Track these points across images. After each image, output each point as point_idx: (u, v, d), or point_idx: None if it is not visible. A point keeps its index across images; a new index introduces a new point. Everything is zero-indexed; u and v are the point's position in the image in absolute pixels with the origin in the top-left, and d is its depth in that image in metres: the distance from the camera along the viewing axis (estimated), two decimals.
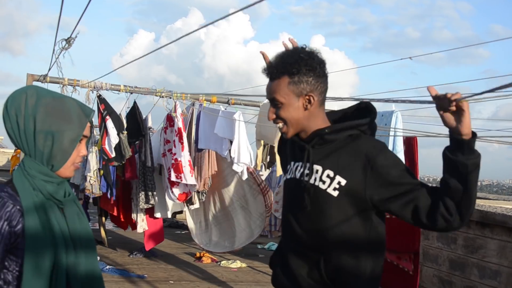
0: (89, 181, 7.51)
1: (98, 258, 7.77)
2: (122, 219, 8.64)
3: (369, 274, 1.89)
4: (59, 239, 1.69)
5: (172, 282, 7.19)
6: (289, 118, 1.91)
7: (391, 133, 4.61)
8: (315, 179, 1.89)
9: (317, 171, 1.89)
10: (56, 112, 1.68)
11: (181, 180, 6.45)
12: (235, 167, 6.14)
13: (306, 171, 1.92)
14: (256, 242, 10.45)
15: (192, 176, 6.52)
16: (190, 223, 8.28)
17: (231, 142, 6.13)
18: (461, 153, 1.65)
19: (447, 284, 6.64)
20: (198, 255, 9.03)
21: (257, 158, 6.78)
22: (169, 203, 7.58)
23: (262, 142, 6.40)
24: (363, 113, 1.99)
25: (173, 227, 12.55)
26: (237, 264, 8.61)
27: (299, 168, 1.98)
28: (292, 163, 2.06)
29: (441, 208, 1.71)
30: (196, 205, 7.36)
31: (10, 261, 1.63)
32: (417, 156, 4.91)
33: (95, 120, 6.67)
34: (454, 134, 1.66)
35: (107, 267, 7.55)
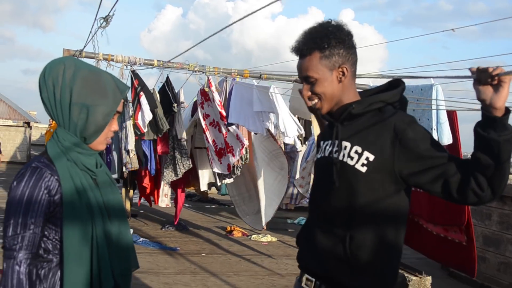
0: (130, 155, 7.63)
1: (132, 230, 7.98)
2: (150, 193, 8.76)
3: (393, 251, 1.89)
4: (95, 208, 1.73)
5: (204, 254, 7.31)
6: (324, 93, 1.90)
7: (434, 106, 4.54)
8: (343, 156, 1.88)
9: (345, 147, 1.88)
10: (92, 86, 1.69)
11: (233, 150, 6.56)
12: (286, 140, 6.22)
13: (335, 148, 1.91)
14: (285, 217, 10.52)
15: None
16: (232, 192, 8.40)
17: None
18: (493, 130, 1.60)
19: (481, 260, 6.59)
20: (229, 229, 9.15)
21: None
22: (205, 177, 7.67)
23: (296, 117, 6.37)
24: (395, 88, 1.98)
25: (204, 201, 12.69)
26: (268, 238, 8.69)
27: (328, 146, 1.98)
28: (322, 142, 2.07)
29: (472, 183, 1.67)
30: (231, 179, 7.37)
31: (50, 230, 1.67)
32: (458, 129, 4.82)
33: (128, 95, 6.74)
34: (487, 109, 1.61)
35: (141, 239, 7.70)
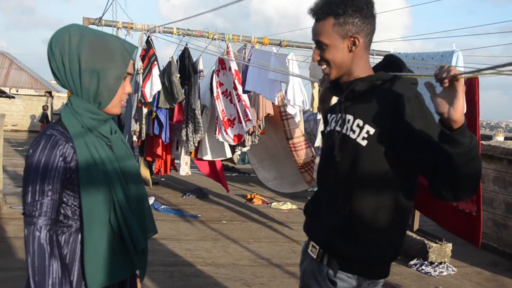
0: (138, 124, 7.71)
1: (153, 198, 8.09)
2: (164, 162, 8.85)
3: (394, 225, 1.88)
4: (112, 173, 1.74)
5: (224, 222, 7.39)
6: (333, 60, 1.89)
7: None
8: (346, 129, 1.88)
9: (348, 120, 1.88)
10: (100, 51, 1.69)
11: (249, 117, 6.53)
12: (289, 109, 6.12)
13: (339, 121, 1.92)
14: None
15: (253, 117, 6.61)
16: (252, 160, 8.39)
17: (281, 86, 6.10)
18: (447, 143, 1.56)
19: (502, 227, 6.56)
20: (249, 196, 9.21)
21: (313, 101, 6.69)
22: (223, 145, 7.66)
23: (316, 84, 6.32)
24: (396, 64, 1.96)
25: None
26: (288, 205, 8.74)
27: (334, 119, 1.98)
28: (329, 115, 2.08)
29: (437, 182, 1.66)
30: (247, 147, 7.38)
31: (68, 196, 1.70)
32: (478, 97, 4.75)
33: (140, 63, 6.75)
34: (445, 123, 1.55)
35: (162, 207, 7.81)
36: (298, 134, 7.12)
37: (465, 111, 4.49)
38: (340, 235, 1.89)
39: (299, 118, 6.41)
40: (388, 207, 1.85)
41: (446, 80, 1.51)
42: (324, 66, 1.93)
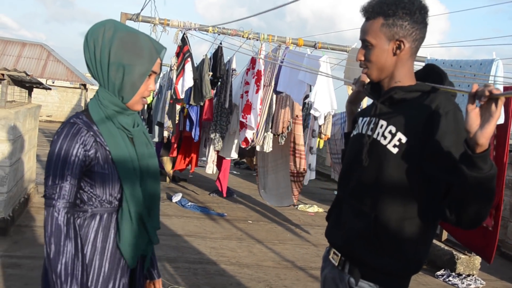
0: (170, 120, 7.77)
1: (181, 195, 8.14)
2: (187, 160, 8.88)
3: (420, 236, 1.82)
4: (129, 165, 1.80)
5: (250, 222, 7.39)
6: (376, 61, 1.85)
7: (491, 82, 4.36)
8: (378, 134, 1.84)
9: (381, 126, 1.84)
10: (129, 46, 1.75)
11: (246, 121, 6.47)
12: (312, 111, 6.05)
13: (371, 126, 1.88)
14: (333, 188, 10.48)
15: (257, 119, 6.53)
16: (258, 163, 8.22)
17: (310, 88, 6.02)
18: (465, 165, 1.51)
19: None
20: None
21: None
22: (237, 145, 7.60)
23: (350, 87, 6.25)
24: (437, 74, 1.90)
25: (251, 169, 12.79)
26: (314, 208, 8.70)
27: (366, 123, 1.94)
28: (360, 119, 2.03)
29: (445, 202, 1.63)
30: (269, 148, 7.22)
31: (85, 183, 1.77)
32: None
33: (175, 60, 6.79)
34: (469, 142, 1.50)
35: (189, 203, 7.85)
36: (301, 142, 7.09)
37: (502, 121, 4.44)
38: (363, 243, 1.85)
39: (322, 121, 6.34)
40: (415, 218, 1.79)
41: (484, 100, 1.46)
42: (366, 68, 1.90)
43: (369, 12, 1.85)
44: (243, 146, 7.05)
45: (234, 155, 7.75)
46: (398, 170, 1.78)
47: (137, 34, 1.80)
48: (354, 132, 2.04)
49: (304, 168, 7.11)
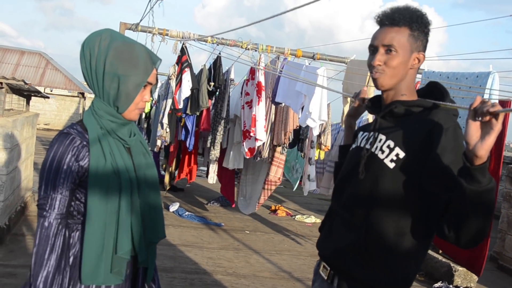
0: (165, 129, 7.74)
1: (178, 204, 8.11)
2: (187, 169, 8.85)
3: (411, 252, 1.81)
4: (124, 175, 1.78)
5: (247, 232, 7.37)
6: (395, 68, 1.83)
7: (486, 95, 4.37)
8: (376, 148, 1.84)
9: (380, 140, 1.84)
10: (124, 56, 1.74)
11: (254, 134, 6.46)
12: (309, 122, 6.02)
13: (371, 139, 1.88)
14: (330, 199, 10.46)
15: (265, 131, 6.51)
16: (243, 171, 8.11)
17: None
18: (463, 178, 1.51)
19: None
20: (273, 208, 9.18)
21: (343, 115, 6.62)
22: (241, 155, 7.57)
23: (348, 99, 6.26)
24: (439, 91, 1.90)
25: None
26: (312, 219, 8.68)
27: (365, 137, 1.95)
28: (360, 133, 2.04)
29: (443, 221, 1.63)
30: (265, 158, 7.19)
31: (81, 194, 1.76)
32: (508, 121, 4.66)
33: (173, 69, 6.79)
34: (467, 154, 1.50)
35: (186, 213, 7.83)
36: (280, 150, 7.10)
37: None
38: (353, 256, 1.84)
39: (318, 132, 6.33)
40: (407, 234, 1.78)
41: (488, 117, 1.46)
42: (379, 72, 1.85)
43: (395, 20, 1.83)
44: (247, 157, 7.05)
45: (240, 165, 7.74)
46: (393, 185, 1.77)
47: (133, 45, 1.80)
48: (353, 146, 2.04)
49: (279, 178, 7.11)
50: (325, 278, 1.97)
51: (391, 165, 1.77)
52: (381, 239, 1.78)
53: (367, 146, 1.88)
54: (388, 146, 1.80)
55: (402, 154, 1.76)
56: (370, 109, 2.03)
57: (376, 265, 1.81)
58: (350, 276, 1.87)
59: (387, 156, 1.79)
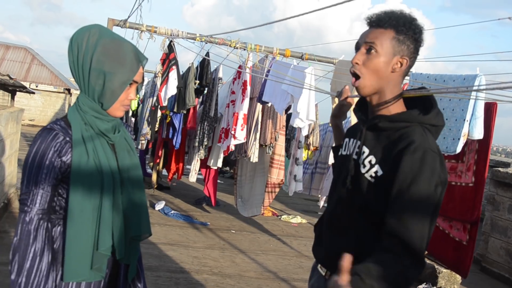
0: (149, 127, 7.72)
1: (164, 203, 8.07)
2: (174, 167, 8.83)
3: None
4: (106, 171, 1.78)
5: (233, 231, 7.35)
6: (373, 69, 1.80)
7: (473, 97, 4.39)
8: (361, 160, 1.85)
9: (363, 152, 1.84)
10: (111, 54, 1.74)
11: (234, 133, 6.44)
12: (297, 122, 6.00)
13: (356, 150, 1.88)
14: (317, 199, 10.49)
15: (242, 130, 6.48)
16: (238, 172, 8.02)
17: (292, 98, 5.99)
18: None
19: None
20: None
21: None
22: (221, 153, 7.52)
23: (336, 99, 6.26)
24: (429, 104, 1.86)
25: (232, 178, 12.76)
26: (298, 219, 8.68)
27: (353, 145, 1.94)
28: (348, 139, 2.03)
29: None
30: (253, 158, 7.09)
31: (63, 189, 1.76)
32: (494, 123, 4.69)
33: (160, 67, 6.76)
34: None
35: (172, 212, 7.79)
36: (282, 153, 7.09)
37: (481, 137, 4.48)
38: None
39: (306, 132, 6.34)
40: None
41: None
42: (358, 77, 1.84)
43: (382, 21, 1.82)
44: (224, 155, 7.04)
45: (219, 163, 7.68)
46: (375, 198, 1.77)
47: (121, 42, 1.79)
48: (343, 152, 2.03)
49: (282, 180, 7.11)
50: (323, 274, 2.00)
51: (372, 180, 1.78)
52: (369, 245, 1.80)
53: (354, 157, 1.88)
54: (370, 162, 1.80)
55: (380, 172, 1.76)
56: (357, 113, 2.01)
57: None
58: None
59: (367, 171, 1.80)
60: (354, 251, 1.80)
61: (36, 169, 1.68)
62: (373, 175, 1.77)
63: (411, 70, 5.37)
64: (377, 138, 1.83)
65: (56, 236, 1.75)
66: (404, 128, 1.79)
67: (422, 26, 1.85)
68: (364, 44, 1.84)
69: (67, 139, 1.73)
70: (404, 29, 1.79)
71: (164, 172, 10.08)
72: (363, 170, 1.81)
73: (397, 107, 1.85)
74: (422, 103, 1.86)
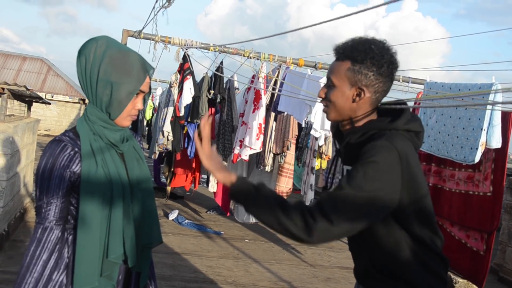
0: (167, 137, 7.73)
1: (177, 212, 8.08)
2: (188, 177, 8.83)
3: (417, 262, 1.82)
4: (115, 181, 1.80)
5: (247, 240, 7.34)
6: (334, 102, 1.87)
7: (489, 107, 4.36)
8: None
9: (347, 170, 1.90)
10: (118, 64, 1.77)
11: (245, 143, 6.44)
12: (313, 132, 6.03)
13: (343, 170, 1.95)
14: None
15: (258, 140, 6.48)
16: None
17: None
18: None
19: None
20: None
21: None
22: (243, 163, 7.51)
23: None
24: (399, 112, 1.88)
25: None
26: None
27: (344, 170, 2.01)
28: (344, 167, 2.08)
29: None
30: (268, 167, 7.16)
31: (74, 199, 1.78)
32: (511, 131, 4.64)
33: (174, 77, 6.80)
34: None
35: (186, 221, 7.80)
36: (292, 161, 7.07)
37: (499, 146, 4.43)
38: (371, 278, 1.89)
39: (322, 142, 6.33)
40: (402, 250, 1.80)
41: None
42: (325, 105, 1.91)
43: (339, 53, 1.87)
44: (233, 163, 7.05)
45: (243, 173, 7.69)
46: None
47: (128, 52, 1.82)
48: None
49: (290, 188, 7.10)
50: None
51: None
52: (384, 261, 1.82)
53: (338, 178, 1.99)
54: None
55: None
56: (335, 137, 2.07)
57: (396, 282, 1.82)
58: None
59: None
60: (375, 267, 1.86)
61: (47, 181, 1.71)
62: None
63: (425, 79, 5.33)
64: (354, 153, 1.82)
65: (68, 245, 1.77)
66: (370, 138, 1.81)
67: (389, 47, 1.83)
68: (327, 79, 1.91)
69: (76, 149, 1.75)
70: (359, 58, 1.80)
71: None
72: None
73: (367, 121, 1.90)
74: (396, 113, 1.87)
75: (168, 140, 7.80)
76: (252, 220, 7.62)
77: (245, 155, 6.60)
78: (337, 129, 2.03)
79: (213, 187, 8.03)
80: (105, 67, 1.75)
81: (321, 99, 1.93)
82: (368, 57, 1.79)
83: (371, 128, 1.82)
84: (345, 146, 1.90)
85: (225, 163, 7.53)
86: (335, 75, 1.86)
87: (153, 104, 15.03)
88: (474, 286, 5.59)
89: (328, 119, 1.94)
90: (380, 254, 1.83)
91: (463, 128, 4.68)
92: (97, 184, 1.75)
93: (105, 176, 1.77)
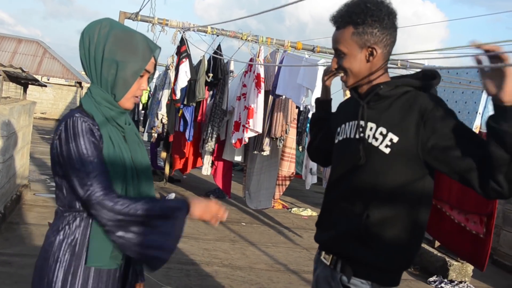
0: (161, 120, 7.72)
1: (174, 195, 8.10)
2: (184, 161, 8.84)
3: (412, 233, 1.87)
4: (128, 162, 1.80)
5: (244, 224, 7.37)
6: (350, 69, 1.89)
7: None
8: (368, 136, 1.87)
9: (371, 128, 1.87)
10: (123, 43, 1.75)
11: (249, 126, 6.43)
12: (311, 115, 6.02)
13: (360, 129, 1.90)
14: None
15: (261, 123, 6.49)
16: (248, 164, 7.94)
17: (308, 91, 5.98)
18: (504, 121, 1.54)
19: None
20: None
21: None
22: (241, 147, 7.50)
23: (347, 92, 6.24)
24: (430, 79, 1.90)
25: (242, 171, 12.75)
26: (308, 212, 8.69)
27: (352, 126, 1.96)
28: (343, 125, 2.04)
29: (490, 181, 1.62)
30: (267, 152, 7.14)
31: None
32: None
33: (171, 60, 6.77)
34: (496, 101, 1.54)
35: None
36: (293, 146, 7.06)
37: None
38: (355, 241, 1.88)
39: None
40: (407, 216, 1.84)
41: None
42: (342, 74, 1.94)
43: (338, 22, 1.89)
44: (236, 148, 7.04)
45: (239, 158, 7.69)
46: (391, 169, 1.82)
47: (132, 32, 1.81)
48: (340, 138, 2.05)
49: (292, 172, 7.12)
50: (328, 263, 2.01)
51: (387, 151, 1.81)
52: (383, 223, 1.83)
53: (358, 136, 1.90)
54: (381, 133, 1.83)
55: (396, 139, 1.80)
56: (354, 94, 2.03)
57: (380, 248, 1.85)
58: (354, 261, 1.91)
59: (381, 143, 1.83)
60: (367, 229, 1.85)
61: (91, 158, 1.66)
62: (389, 143, 1.81)
63: (422, 63, 5.33)
64: (380, 110, 1.87)
65: (76, 227, 1.74)
66: (404, 94, 1.84)
67: (381, 1, 1.84)
68: (334, 50, 1.94)
69: (96, 127, 1.72)
70: (360, 20, 1.82)
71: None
72: (376, 143, 1.84)
73: (385, 80, 1.92)
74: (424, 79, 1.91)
75: (161, 123, 7.80)
76: (263, 207, 7.64)
77: (247, 138, 6.61)
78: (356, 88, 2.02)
79: (206, 170, 8.05)
80: (110, 46, 1.73)
81: (335, 69, 1.96)
82: (367, 16, 1.81)
83: (405, 83, 1.86)
84: (369, 101, 1.90)
85: (212, 146, 7.47)
86: (342, 44, 1.88)
87: (149, 87, 14.94)
88: (469, 268, 5.65)
89: (347, 86, 1.96)
90: (391, 211, 1.83)
91: (459, 112, 4.69)
92: (115, 165, 1.74)
93: (120, 158, 1.76)
